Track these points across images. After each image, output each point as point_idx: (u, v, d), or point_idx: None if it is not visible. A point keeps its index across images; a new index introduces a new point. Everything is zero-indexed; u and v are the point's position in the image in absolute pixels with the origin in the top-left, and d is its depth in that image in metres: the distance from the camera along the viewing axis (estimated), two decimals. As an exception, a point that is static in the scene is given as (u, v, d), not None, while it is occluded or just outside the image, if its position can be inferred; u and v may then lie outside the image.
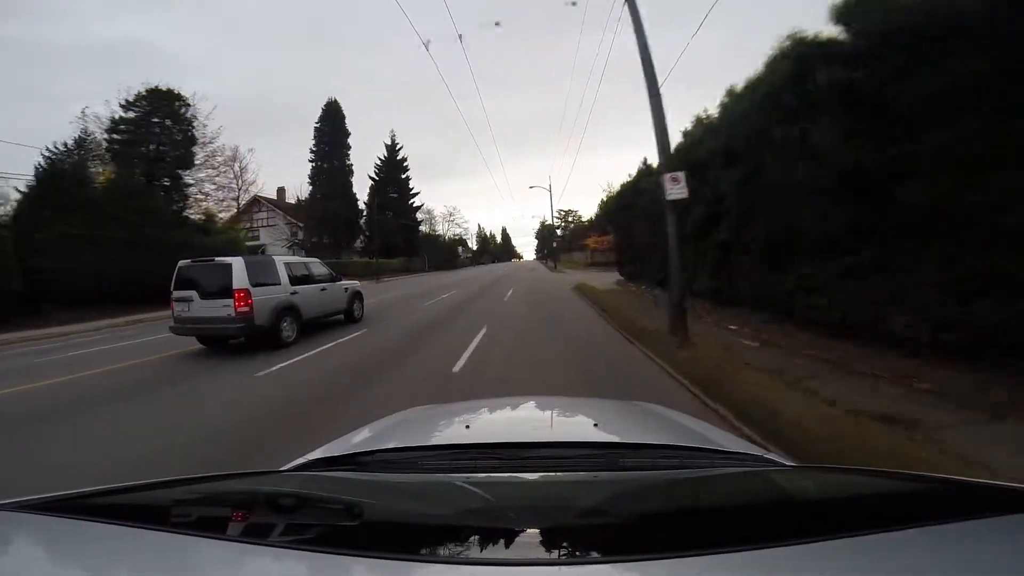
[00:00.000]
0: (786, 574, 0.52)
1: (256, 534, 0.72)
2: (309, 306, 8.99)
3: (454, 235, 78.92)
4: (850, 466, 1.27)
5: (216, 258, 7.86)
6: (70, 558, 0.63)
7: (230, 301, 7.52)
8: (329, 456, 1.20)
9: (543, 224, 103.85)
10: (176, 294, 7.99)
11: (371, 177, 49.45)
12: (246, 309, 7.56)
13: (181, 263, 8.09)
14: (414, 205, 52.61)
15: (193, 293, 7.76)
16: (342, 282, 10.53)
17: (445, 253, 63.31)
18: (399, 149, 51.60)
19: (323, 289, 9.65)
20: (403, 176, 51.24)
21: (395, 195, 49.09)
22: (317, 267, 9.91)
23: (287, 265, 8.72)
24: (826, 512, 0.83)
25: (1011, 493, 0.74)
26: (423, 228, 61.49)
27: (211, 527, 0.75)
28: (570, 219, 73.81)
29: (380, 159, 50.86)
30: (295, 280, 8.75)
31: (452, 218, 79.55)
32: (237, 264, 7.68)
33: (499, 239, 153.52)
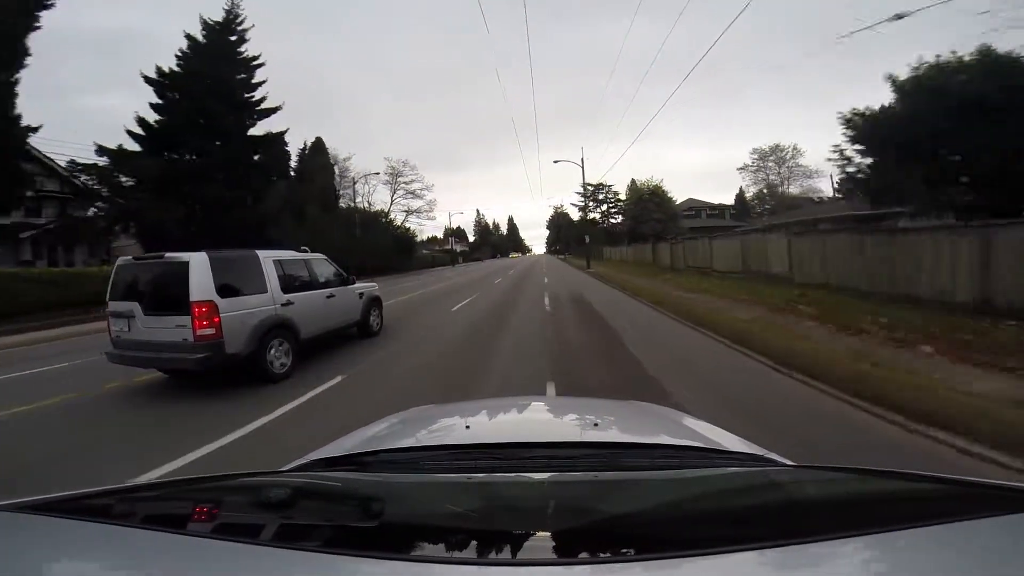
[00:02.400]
0: (786, 574, 0.53)
1: (257, 535, 0.70)
2: (310, 321, 6.33)
3: (408, 211, 45.19)
4: (850, 466, 1.03)
5: (167, 254, 5.21)
6: (70, 558, 0.63)
7: (186, 319, 4.88)
8: (330, 456, 1.17)
9: (557, 210, 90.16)
10: (112, 306, 5.37)
11: (155, 80, 21.89)
12: (211, 332, 4.91)
13: (120, 262, 5.47)
14: (251, 136, 24.75)
15: (134, 306, 5.14)
16: (356, 285, 7.88)
17: (380, 244, 34.92)
18: (238, 23, 24.12)
19: (330, 296, 6.99)
20: (240, 76, 24.11)
21: (211, 107, 21.66)
22: (321, 265, 7.23)
23: (278, 264, 6.05)
24: (826, 512, 0.82)
25: (1011, 493, 0.74)
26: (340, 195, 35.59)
27: (211, 527, 0.75)
28: (602, 195, 52.55)
29: (195, 36, 23.08)
30: (289, 285, 6.09)
31: (401, 180, 43.68)
32: (197, 263, 5.01)
33: (504, 229, 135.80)
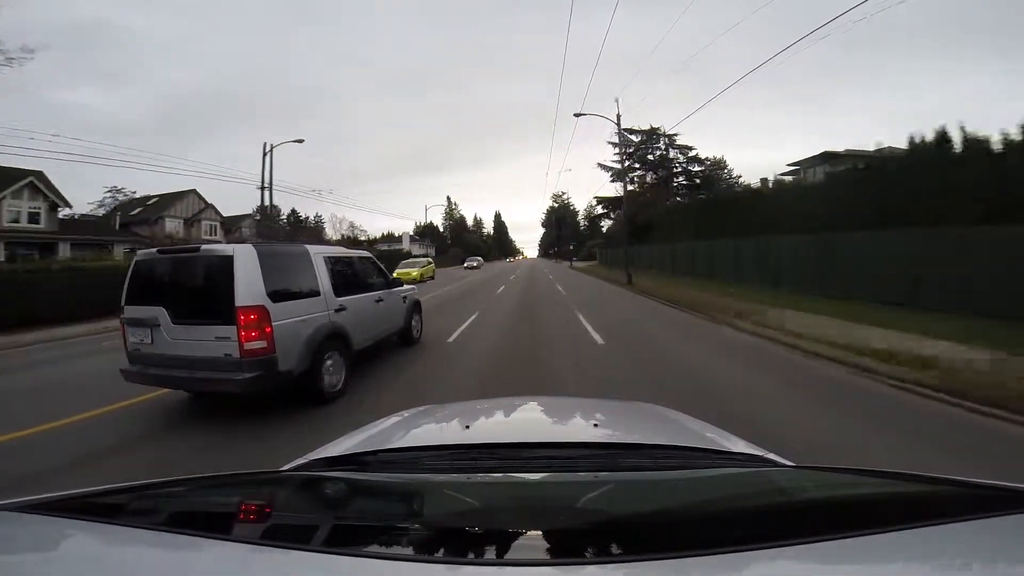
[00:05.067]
0: (786, 574, 0.53)
1: (256, 534, 0.71)
2: (362, 329, 5.37)
3: None
4: (850, 466, 1.09)
5: (203, 247, 4.20)
6: (70, 558, 0.62)
7: (229, 329, 3.88)
8: (330, 456, 1.17)
9: (558, 199, 72.10)
10: (129, 312, 4.33)
11: None
12: (261, 345, 3.92)
13: (140, 255, 4.44)
14: None
15: (160, 311, 4.12)
16: (401, 288, 6.93)
17: None
18: None
19: (379, 300, 6.03)
20: None
21: None
22: (367, 264, 6.26)
23: (328, 261, 5.08)
24: (826, 512, 0.81)
25: (1012, 493, 0.73)
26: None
27: (212, 527, 0.74)
28: (659, 150, 28.94)
29: None
30: (341, 286, 5.12)
31: None
32: (243, 258, 4.01)
33: (489, 228, 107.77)
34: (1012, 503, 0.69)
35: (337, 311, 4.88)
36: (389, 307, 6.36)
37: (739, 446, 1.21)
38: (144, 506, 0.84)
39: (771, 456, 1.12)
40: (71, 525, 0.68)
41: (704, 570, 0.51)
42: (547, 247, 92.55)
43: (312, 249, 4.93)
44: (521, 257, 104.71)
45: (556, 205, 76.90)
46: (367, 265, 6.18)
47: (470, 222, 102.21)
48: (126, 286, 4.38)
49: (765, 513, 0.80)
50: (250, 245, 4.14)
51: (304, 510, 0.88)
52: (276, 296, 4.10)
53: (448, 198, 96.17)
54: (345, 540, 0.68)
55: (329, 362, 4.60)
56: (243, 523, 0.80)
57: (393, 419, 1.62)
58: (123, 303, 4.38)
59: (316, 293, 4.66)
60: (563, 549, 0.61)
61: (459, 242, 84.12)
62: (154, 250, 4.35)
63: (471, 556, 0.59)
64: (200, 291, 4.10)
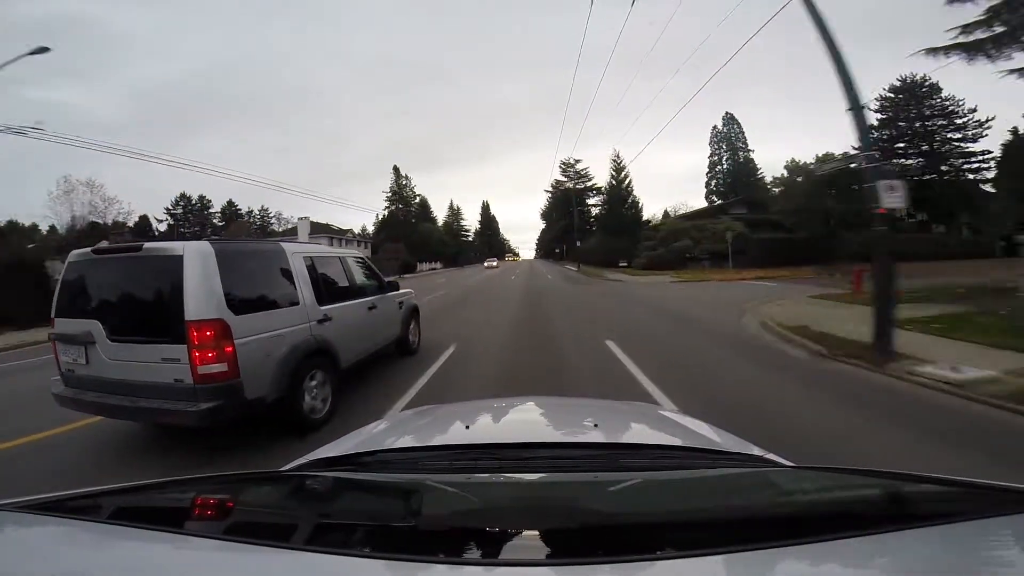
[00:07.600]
0: (786, 574, 0.52)
1: (256, 534, 0.69)
2: (352, 342, 4.54)
3: None
4: (850, 466, 1.05)
5: (146, 244, 3.34)
6: (70, 558, 0.61)
7: (180, 349, 3.04)
8: (330, 456, 1.15)
9: (571, 168, 50.07)
10: (60, 325, 3.49)
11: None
12: (220, 368, 3.07)
13: (72, 257, 3.58)
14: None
15: (94, 325, 3.27)
16: (397, 292, 6.10)
17: None
18: None
19: (371, 308, 5.20)
20: None
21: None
22: (357, 265, 5.43)
23: (308, 261, 4.24)
24: (826, 512, 0.81)
25: (1012, 493, 0.72)
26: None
27: (211, 527, 0.75)
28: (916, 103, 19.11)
29: None
30: (324, 293, 4.28)
31: None
32: (196, 258, 3.14)
33: (471, 220, 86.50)
34: (1012, 503, 0.69)
35: (320, 322, 4.04)
36: (383, 315, 5.53)
37: (739, 446, 1.19)
38: (144, 506, 0.84)
39: (771, 456, 1.10)
40: (71, 525, 0.69)
41: (704, 570, 0.51)
42: (549, 245, 68.30)
43: (289, 248, 4.08)
44: (498, 261, 64.00)
45: (567, 180, 51.29)
46: (356, 265, 5.35)
47: (443, 212, 78.73)
48: (56, 294, 3.54)
49: (765, 513, 0.79)
50: (206, 243, 3.30)
51: (303, 510, 0.88)
52: (240, 307, 3.26)
53: (396, 168, 66.98)
54: (345, 540, 0.68)
55: (311, 384, 3.78)
56: (244, 523, 0.80)
57: (393, 419, 1.54)
58: (53, 315, 3.54)
59: (294, 302, 3.82)
60: (563, 549, 0.61)
61: (407, 235, 53.30)
62: (88, 250, 3.50)
63: (471, 556, 0.59)
64: (142, 301, 3.25)
